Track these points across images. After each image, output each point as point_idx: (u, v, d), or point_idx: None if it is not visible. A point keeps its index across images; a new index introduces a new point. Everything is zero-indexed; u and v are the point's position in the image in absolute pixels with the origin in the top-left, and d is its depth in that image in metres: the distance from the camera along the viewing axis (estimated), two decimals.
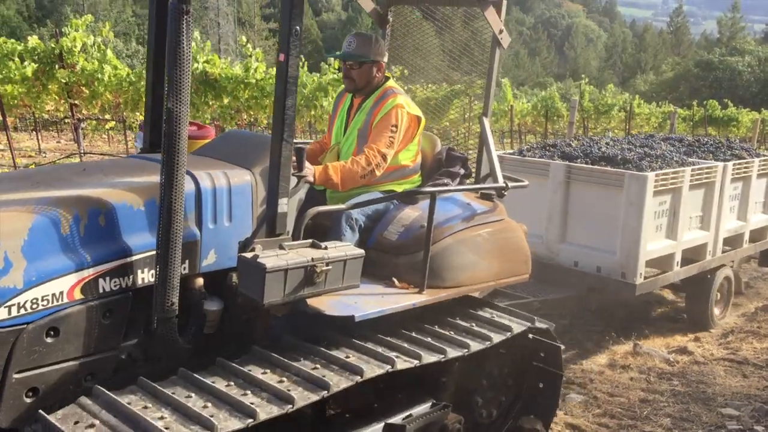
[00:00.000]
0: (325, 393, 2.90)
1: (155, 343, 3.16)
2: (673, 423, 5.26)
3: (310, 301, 3.25)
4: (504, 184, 4.25)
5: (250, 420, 2.67)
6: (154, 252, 3.00)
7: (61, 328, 2.87)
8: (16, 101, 14.27)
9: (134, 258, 3.05)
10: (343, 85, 4.38)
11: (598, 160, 6.94)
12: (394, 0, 4.84)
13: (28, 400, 2.86)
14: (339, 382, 3.00)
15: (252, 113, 16.17)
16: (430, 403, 3.67)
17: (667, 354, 6.75)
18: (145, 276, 3.09)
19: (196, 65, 14.49)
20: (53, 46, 12.81)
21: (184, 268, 3.17)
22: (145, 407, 2.73)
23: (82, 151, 12.94)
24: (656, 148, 7.59)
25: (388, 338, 3.50)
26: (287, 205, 3.28)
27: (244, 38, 16.28)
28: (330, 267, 3.21)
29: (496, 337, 3.74)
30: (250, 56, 15.14)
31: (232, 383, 2.96)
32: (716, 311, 7.73)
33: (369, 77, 4.19)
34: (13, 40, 14.13)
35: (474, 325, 3.85)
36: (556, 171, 6.72)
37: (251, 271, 3.05)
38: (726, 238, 7.69)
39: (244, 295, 3.16)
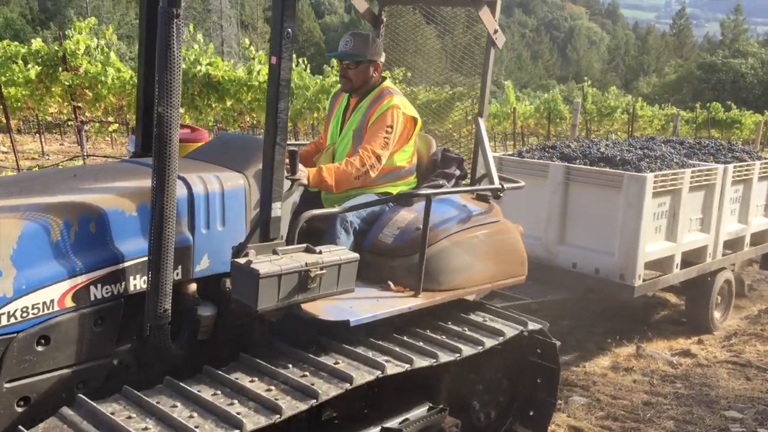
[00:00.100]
0: (313, 402, 2.85)
1: (148, 350, 3.12)
2: (676, 426, 5.24)
3: (305, 307, 3.21)
4: (500, 185, 4.21)
5: (237, 431, 2.63)
6: (146, 258, 2.97)
7: (52, 336, 2.84)
8: (19, 104, 14.33)
9: (126, 264, 3.02)
10: (339, 85, 4.36)
11: (597, 161, 6.90)
12: (387, 0, 4.82)
13: (20, 410, 2.83)
14: (328, 390, 2.95)
15: (255, 115, 16.21)
16: (427, 407, 3.63)
17: (670, 356, 6.72)
18: (137, 282, 3.06)
19: (199, 67, 14.54)
20: (57, 48, 12.87)
21: (177, 274, 3.13)
22: (129, 417, 2.68)
23: (85, 154, 12.97)
24: (656, 150, 7.55)
25: (380, 342, 3.45)
26: (281, 209, 3.25)
27: (247, 41, 16.31)
28: (324, 271, 3.19)
29: (489, 342, 3.70)
30: (253, 59, 15.18)
31: (219, 392, 2.91)
32: (717, 314, 7.68)
33: (366, 77, 4.16)
34: (16, 43, 14.19)
35: (466, 329, 3.80)
36: (555, 172, 6.69)
37: (245, 276, 3.02)
38: (726, 241, 7.64)
39: (237, 301, 3.13)
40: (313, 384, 2.95)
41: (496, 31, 4.25)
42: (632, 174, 6.32)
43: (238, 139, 4.05)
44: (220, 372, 3.04)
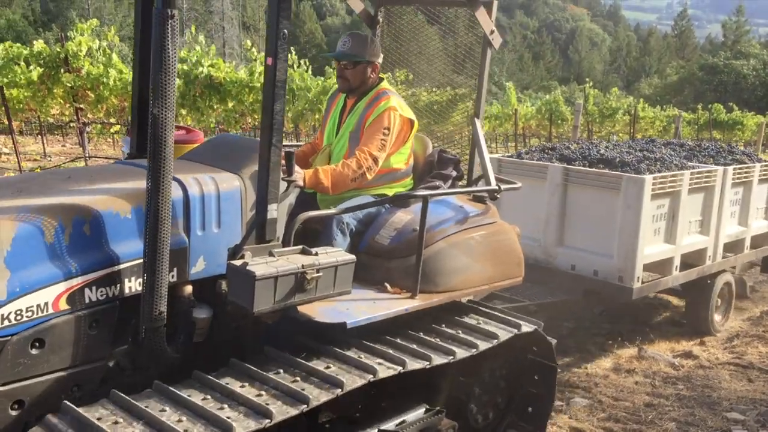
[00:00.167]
0: (304, 407, 2.82)
1: (143, 353, 3.10)
2: (678, 427, 5.24)
3: (301, 309, 3.19)
4: (496, 187, 4.20)
5: None
6: (141, 260, 2.95)
7: (46, 339, 2.82)
8: (21, 105, 14.36)
9: (121, 266, 3.00)
10: (336, 85, 4.35)
11: (596, 162, 6.89)
12: (384, 1, 4.81)
13: (14, 413, 2.81)
14: (319, 395, 2.91)
15: (256, 117, 16.22)
16: (424, 409, 3.62)
17: (672, 358, 6.72)
18: (133, 285, 3.04)
19: (200, 69, 14.55)
20: (59, 50, 12.89)
21: (172, 276, 3.12)
22: (116, 422, 2.64)
23: (87, 155, 12.99)
24: (656, 152, 7.54)
25: (372, 345, 3.42)
26: (277, 211, 3.24)
27: (248, 42, 16.31)
28: (321, 273, 3.17)
29: (483, 345, 3.67)
30: (255, 60, 15.19)
31: (209, 397, 2.88)
32: (717, 317, 7.66)
33: (363, 78, 4.15)
34: (18, 45, 14.21)
35: (460, 332, 3.77)
36: (554, 174, 6.67)
37: (241, 278, 3.00)
38: (726, 244, 7.61)
39: (233, 303, 3.11)
40: (303, 389, 2.92)
41: (492, 32, 4.24)
42: (631, 176, 6.30)
43: (234, 141, 4.03)
44: (210, 377, 3.00)
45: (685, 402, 5.70)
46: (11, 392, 2.78)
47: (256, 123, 17.57)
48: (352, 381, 3.05)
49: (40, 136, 21.69)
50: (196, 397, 2.85)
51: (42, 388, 2.86)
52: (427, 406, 3.64)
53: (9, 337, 2.72)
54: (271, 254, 3.14)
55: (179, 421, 2.67)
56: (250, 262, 3.02)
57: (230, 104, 15.21)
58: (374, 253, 3.79)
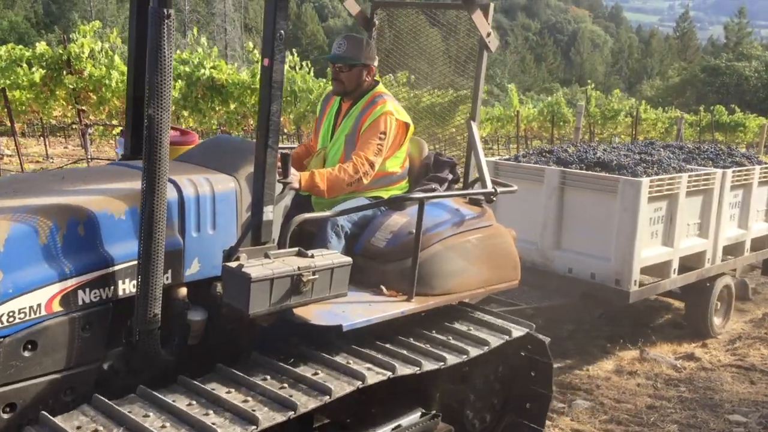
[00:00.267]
0: (291, 414, 2.78)
1: (137, 356, 3.08)
2: (680, 429, 5.24)
3: (297, 311, 3.18)
4: (493, 190, 4.19)
5: None
6: (135, 262, 2.93)
7: (38, 341, 2.80)
8: (24, 107, 14.36)
9: (115, 268, 2.98)
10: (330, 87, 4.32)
11: (593, 165, 6.88)
12: (380, 3, 4.81)
13: (6, 416, 2.79)
14: (307, 402, 2.87)
15: None
16: (419, 413, 3.60)
17: (674, 360, 6.71)
18: (127, 287, 3.02)
19: (203, 71, 14.58)
20: (61, 52, 12.91)
21: (167, 278, 3.10)
22: (96, 430, 2.60)
23: (89, 157, 13.00)
24: (654, 155, 7.52)
25: (362, 350, 3.38)
26: (272, 213, 3.22)
27: (251, 44, 16.32)
28: (316, 276, 3.15)
29: (474, 351, 3.63)
30: (257, 62, 15.20)
31: (194, 402, 2.83)
32: (716, 320, 7.63)
33: (359, 81, 4.12)
34: (21, 46, 14.22)
35: (451, 338, 3.72)
36: (551, 176, 6.66)
37: (236, 280, 2.99)
38: (726, 247, 7.59)
39: (228, 305, 3.09)
40: (291, 395, 2.88)
41: (489, 35, 4.23)
42: (627, 178, 6.30)
43: (230, 142, 4.02)
44: (196, 382, 2.96)
45: (687, 404, 5.70)
46: (3, 395, 2.75)
47: None
48: (341, 387, 3.00)
49: (42, 138, 21.70)
50: (181, 403, 2.80)
51: (35, 391, 2.84)
52: (423, 410, 3.62)
53: (1, 339, 2.69)
54: (266, 256, 3.12)
55: (162, 427, 2.63)
56: (246, 264, 3.00)
57: (232, 106, 15.23)
58: (370, 255, 3.78)
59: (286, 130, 20.94)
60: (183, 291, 3.23)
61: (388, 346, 3.50)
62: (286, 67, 16.86)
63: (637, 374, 6.32)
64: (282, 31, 3.04)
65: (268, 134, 3.09)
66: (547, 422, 5.08)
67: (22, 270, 2.75)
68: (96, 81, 12.85)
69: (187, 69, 14.81)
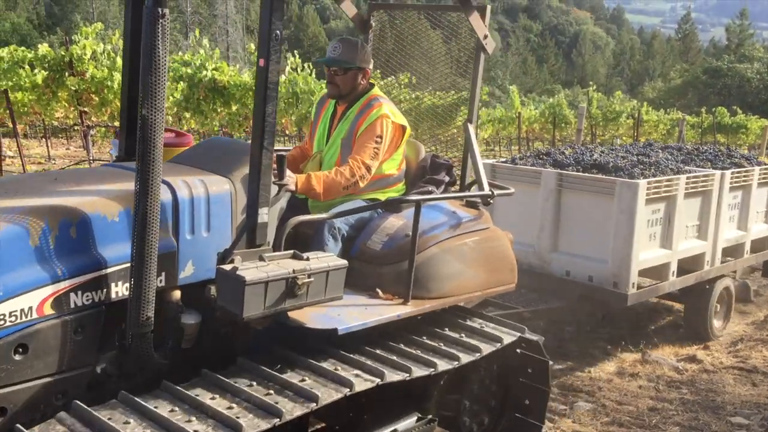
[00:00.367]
0: (276, 421, 2.73)
1: (130, 359, 3.05)
2: (682, 431, 5.22)
3: (292, 314, 3.15)
4: (490, 192, 4.16)
5: None
6: (128, 264, 2.90)
7: (30, 344, 2.77)
8: (26, 108, 14.41)
9: (108, 271, 2.95)
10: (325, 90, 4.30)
11: (590, 167, 6.86)
12: (376, 5, 4.78)
13: None
14: (293, 409, 2.82)
15: None
16: (416, 417, 3.57)
17: (676, 362, 6.69)
18: (119, 289, 2.99)
19: (204, 72, 14.60)
20: (63, 53, 12.93)
21: (160, 281, 3.07)
22: None
23: (91, 158, 13.00)
24: (652, 156, 7.50)
25: (351, 355, 3.33)
26: (268, 215, 3.19)
27: (252, 46, 16.36)
28: (312, 279, 3.12)
29: (465, 358, 3.59)
30: None
31: (177, 409, 2.78)
32: (716, 323, 7.60)
33: (354, 84, 4.09)
34: (23, 48, 14.28)
35: (442, 344, 3.68)
36: (548, 179, 6.64)
37: (230, 283, 2.96)
38: (725, 248, 7.56)
39: (222, 308, 3.06)
40: (277, 402, 2.83)
41: (485, 37, 4.21)
42: (624, 180, 6.28)
43: (225, 144, 3.99)
44: (179, 388, 2.91)
45: (689, 406, 5.68)
46: None
47: None
48: (328, 395, 2.96)
49: (44, 140, 21.73)
50: (163, 409, 2.76)
51: (25, 395, 2.80)
52: (419, 415, 3.59)
53: None
54: (261, 259, 3.09)
55: None
56: (240, 267, 2.97)
57: (234, 107, 15.25)
58: (366, 258, 3.74)
59: (287, 132, 20.94)
60: (177, 294, 3.20)
61: (378, 351, 3.45)
62: (288, 68, 16.87)
63: (638, 376, 6.30)
64: (278, 32, 3.02)
65: (264, 135, 3.07)
66: (549, 424, 5.09)
67: (13, 272, 2.72)
68: (98, 82, 12.87)
69: (189, 71, 14.82)
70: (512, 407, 4.29)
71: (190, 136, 4.27)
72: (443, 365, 3.45)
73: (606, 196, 6.29)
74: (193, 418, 2.70)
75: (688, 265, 7.05)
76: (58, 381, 2.90)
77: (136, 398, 2.79)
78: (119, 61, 13.27)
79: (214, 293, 3.22)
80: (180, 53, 16.76)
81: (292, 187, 3.61)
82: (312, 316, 3.20)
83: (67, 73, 12.83)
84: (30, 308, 2.75)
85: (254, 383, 3.01)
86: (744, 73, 63.57)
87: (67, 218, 2.91)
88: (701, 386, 6.14)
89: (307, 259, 3.17)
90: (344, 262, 3.30)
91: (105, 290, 2.96)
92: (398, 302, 3.60)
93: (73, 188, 3.12)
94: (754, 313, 8.73)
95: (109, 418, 2.65)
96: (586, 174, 6.66)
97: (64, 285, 2.83)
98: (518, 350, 4.15)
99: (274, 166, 3.27)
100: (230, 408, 2.80)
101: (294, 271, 3.05)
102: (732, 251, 7.77)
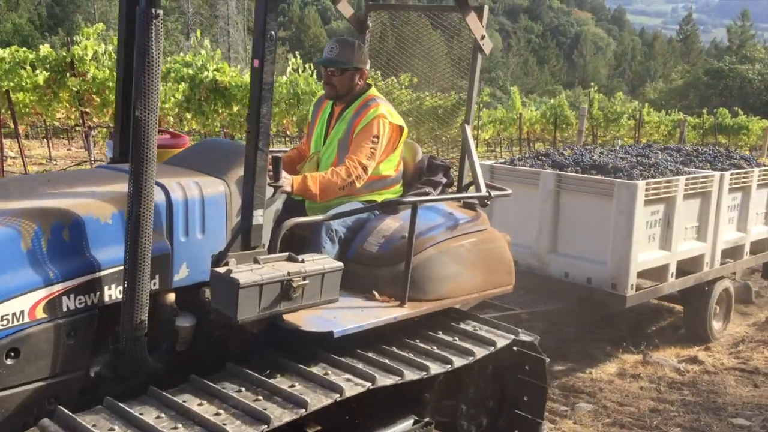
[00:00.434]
0: (264, 427, 2.69)
1: (124, 363, 3.02)
2: None
3: (287, 317, 3.12)
4: (487, 193, 4.13)
5: None
6: (121, 267, 2.87)
7: (22, 348, 2.73)
8: (27, 109, 14.44)
9: (101, 274, 2.92)
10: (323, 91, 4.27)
11: (588, 168, 6.84)
12: (373, 6, 4.76)
13: None
14: (282, 415, 2.77)
15: None
16: (412, 420, 3.55)
17: (678, 363, 6.68)
18: (113, 293, 2.96)
19: (206, 73, 14.61)
20: (65, 54, 12.96)
21: (154, 284, 3.04)
22: None
23: (92, 159, 13.01)
24: (651, 158, 7.47)
25: (342, 359, 3.28)
26: (263, 217, 3.17)
27: None
28: (307, 281, 3.09)
29: (458, 361, 3.54)
30: None
31: (163, 415, 2.73)
32: (716, 324, 7.57)
33: (351, 84, 4.08)
34: (24, 49, 14.30)
35: (435, 347, 3.63)
36: (546, 180, 6.61)
37: (224, 286, 2.93)
38: (725, 250, 7.54)
39: (217, 311, 3.04)
40: (265, 408, 2.78)
41: (483, 37, 4.20)
42: (623, 181, 6.26)
43: (220, 145, 3.96)
44: (166, 394, 2.86)
45: (690, 407, 5.68)
46: None
47: None
48: (318, 400, 2.91)
49: (45, 140, 21.76)
50: (149, 416, 2.71)
51: (17, 400, 2.77)
52: (416, 418, 3.57)
53: None
54: (256, 261, 3.06)
55: None
56: (234, 270, 2.94)
57: (235, 108, 15.26)
58: (362, 260, 3.72)
59: (288, 133, 20.94)
60: (171, 297, 3.17)
61: (370, 354, 3.41)
62: (289, 69, 16.87)
63: (640, 377, 6.29)
64: (272, 32, 3.00)
65: (259, 136, 3.04)
66: (550, 425, 5.10)
67: (4, 275, 2.69)
68: (99, 83, 12.89)
69: (191, 71, 14.83)
70: (510, 405, 4.25)
71: (185, 137, 4.25)
72: (436, 368, 3.40)
73: (605, 198, 6.27)
74: (180, 425, 2.66)
75: (687, 267, 7.03)
76: (51, 385, 2.87)
77: (121, 404, 2.74)
78: None
79: (208, 296, 3.19)
80: (181, 54, 16.77)
81: (288, 189, 3.58)
82: (307, 319, 3.17)
83: (68, 74, 12.87)
84: (22, 312, 2.71)
85: (243, 389, 2.96)
86: (745, 74, 63.60)
87: (60, 220, 2.88)
88: (702, 387, 6.13)
89: (302, 261, 3.14)
90: (340, 264, 3.27)
91: (98, 293, 2.92)
92: (395, 304, 3.57)
93: (66, 190, 3.09)
94: (755, 314, 8.71)
95: (93, 425, 2.60)
96: (585, 175, 6.64)
97: (56, 288, 2.80)
98: (515, 348, 4.10)
99: (270, 167, 3.25)
100: (218, 414, 2.75)
101: (289, 274, 3.02)
102: (731, 253, 7.74)
